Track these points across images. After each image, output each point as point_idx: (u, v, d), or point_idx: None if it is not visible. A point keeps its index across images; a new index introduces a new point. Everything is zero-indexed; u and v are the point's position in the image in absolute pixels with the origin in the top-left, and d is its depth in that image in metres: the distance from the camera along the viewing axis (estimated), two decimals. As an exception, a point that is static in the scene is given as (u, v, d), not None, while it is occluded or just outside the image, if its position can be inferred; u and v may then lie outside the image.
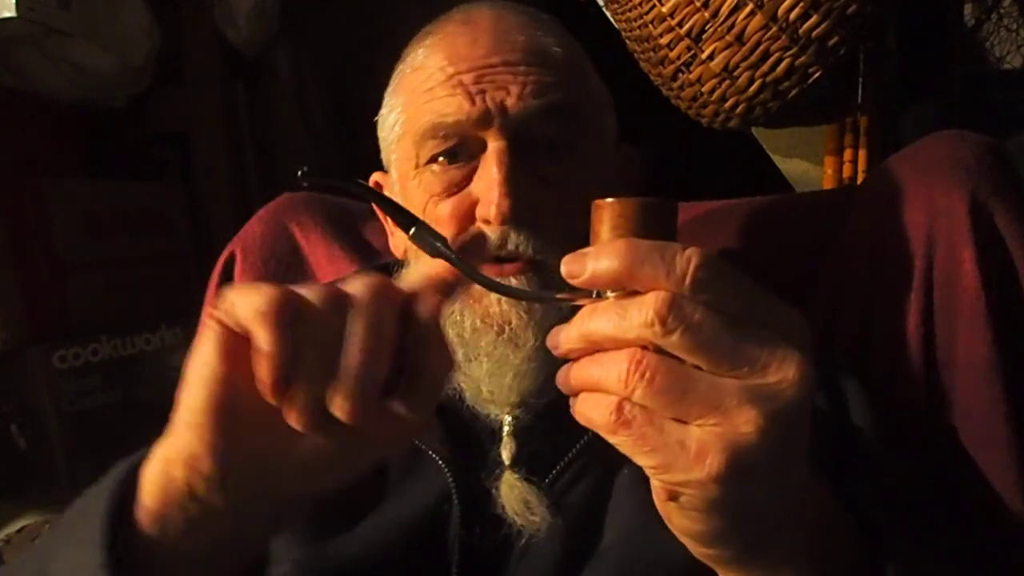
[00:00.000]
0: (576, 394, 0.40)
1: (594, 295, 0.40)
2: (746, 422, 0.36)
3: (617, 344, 0.38)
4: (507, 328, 0.58)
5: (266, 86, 1.97)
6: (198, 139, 1.79)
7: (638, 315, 0.37)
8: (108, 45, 1.45)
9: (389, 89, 0.70)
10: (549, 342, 0.41)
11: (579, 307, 0.40)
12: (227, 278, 0.90)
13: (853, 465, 0.58)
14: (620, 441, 0.38)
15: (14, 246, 1.35)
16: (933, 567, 0.51)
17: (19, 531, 1.21)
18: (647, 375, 0.36)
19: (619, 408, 0.37)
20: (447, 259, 0.43)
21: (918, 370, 0.68)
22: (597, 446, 0.59)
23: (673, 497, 0.38)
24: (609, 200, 0.40)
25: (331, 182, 0.40)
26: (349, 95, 2.15)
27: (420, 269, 0.43)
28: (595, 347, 0.39)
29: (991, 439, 0.65)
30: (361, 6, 2.11)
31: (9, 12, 1.26)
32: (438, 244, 0.43)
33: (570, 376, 0.40)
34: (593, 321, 0.38)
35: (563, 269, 0.39)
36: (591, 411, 0.39)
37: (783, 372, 0.36)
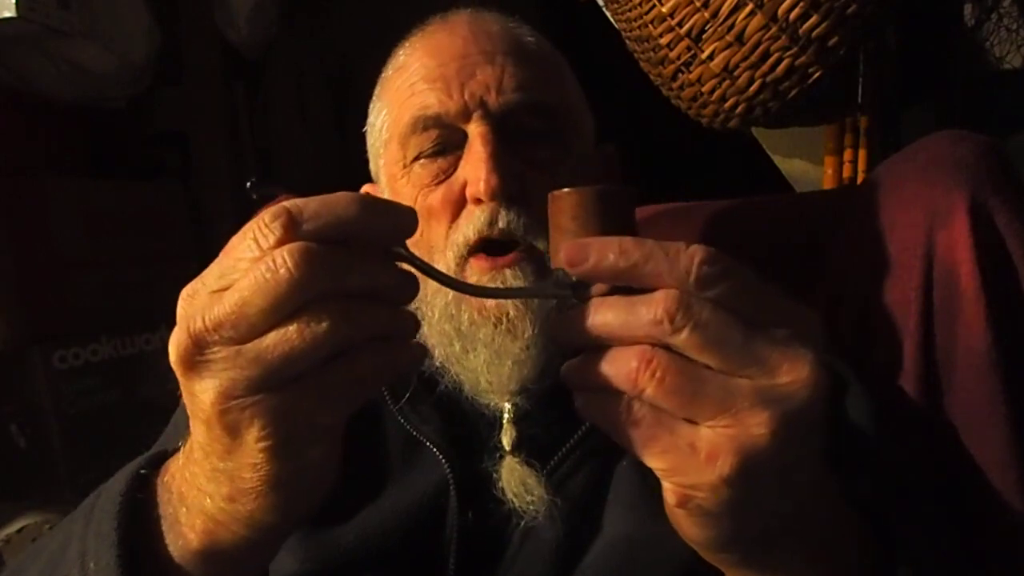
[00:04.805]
0: (581, 391, 0.40)
1: (572, 291, 0.40)
2: (758, 424, 0.35)
3: (623, 341, 0.37)
4: (505, 319, 0.58)
5: (266, 86, 1.97)
6: (198, 139, 1.79)
7: (647, 312, 0.36)
8: (108, 45, 1.45)
9: (374, 96, 0.71)
10: (551, 333, 0.41)
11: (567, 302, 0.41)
12: (227, 278, 0.90)
13: (852, 463, 0.58)
14: (629, 441, 0.38)
15: (14, 246, 1.35)
16: (943, 569, 0.51)
17: (19, 531, 1.21)
18: (658, 374, 0.36)
19: (628, 407, 0.37)
20: (432, 275, 0.43)
21: (917, 369, 0.68)
22: (597, 436, 0.59)
23: (684, 502, 0.38)
24: (566, 190, 0.41)
25: (281, 191, 0.40)
26: (349, 95, 2.15)
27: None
28: (599, 342, 0.38)
29: (990, 438, 0.65)
30: (361, 6, 2.11)
31: (9, 12, 1.26)
32: (402, 251, 0.42)
33: (576, 373, 0.39)
34: (600, 315, 0.38)
35: (563, 256, 0.39)
36: (598, 409, 0.38)
37: (795, 373, 0.36)
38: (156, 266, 1.60)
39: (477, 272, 0.59)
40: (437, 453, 0.60)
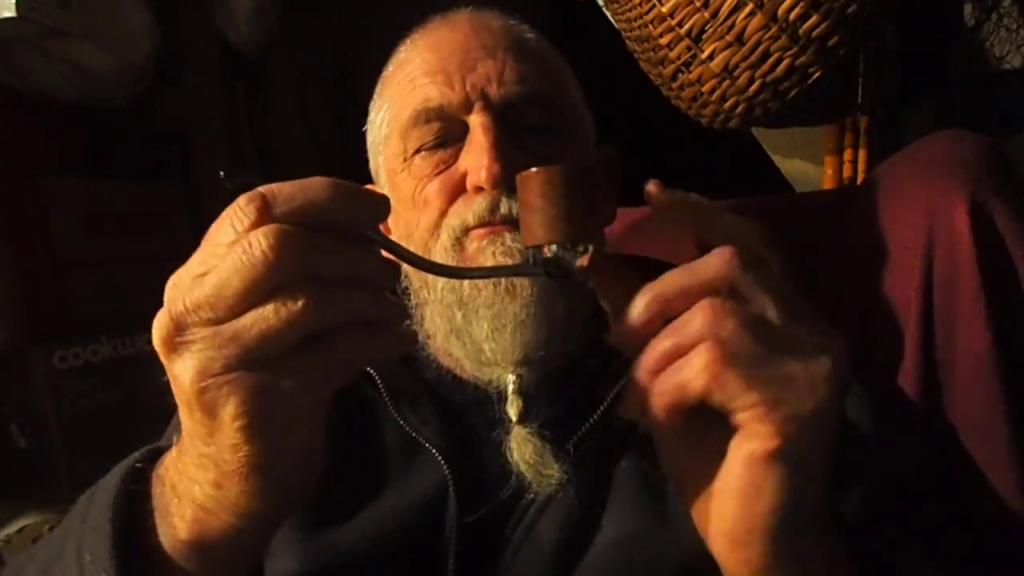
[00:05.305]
0: (643, 385, 0.41)
1: (545, 270, 0.44)
2: (823, 365, 0.39)
3: (689, 294, 0.40)
4: (503, 280, 0.58)
5: (266, 86, 1.97)
6: (198, 139, 1.79)
7: (711, 262, 0.40)
8: (108, 45, 1.45)
9: (375, 94, 0.71)
10: (614, 342, 0.42)
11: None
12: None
13: (849, 467, 0.58)
14: (725, 384, 0.39)
15: (14, 246, 1.35)
16: (943, 569, 0.52)
17: (19, 531, 1.21)
18: (733, 310, 0.39)
19: (715, 354, 0.39)
20: (406, 259, 0.43)
21: (918, 369, 0.68)
22: (599, 434, 0.59)
23: (782, 440, 0.39)
24: (534, 170, 0.44)
25: (256, 180, 0.40)
26: (349, 95, 2.15)
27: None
28: (662, 314, 0.41)
29: (990, 438, 0.65)
30: (361, 6, 2.11)
31: (9, 12, 1.26)
32: (377, 237, 0.43)
33: (643, 361, 0.41)
34: (662, 284, 0.41)
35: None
36: (678, 375, 0.40)
37: (830, 338, 0.41)
38: (156, 266, 1.59)
39: (476, 240, 0.59)
40: (436, 454, 0.60)
